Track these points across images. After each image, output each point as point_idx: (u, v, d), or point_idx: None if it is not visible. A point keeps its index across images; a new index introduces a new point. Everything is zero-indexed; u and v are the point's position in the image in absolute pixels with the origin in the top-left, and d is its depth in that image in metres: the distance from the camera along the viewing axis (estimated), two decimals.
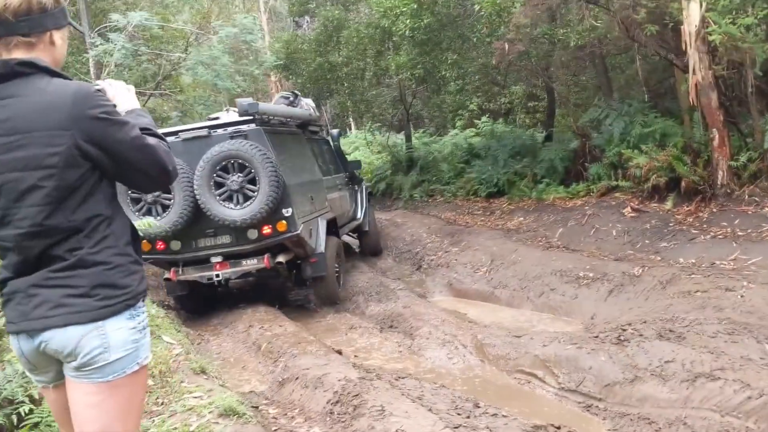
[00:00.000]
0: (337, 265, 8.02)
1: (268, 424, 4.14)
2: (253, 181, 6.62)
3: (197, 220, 6.79)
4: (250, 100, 7.05)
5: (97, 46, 9.22)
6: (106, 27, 9.58)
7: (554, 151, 10.95)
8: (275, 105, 8.21)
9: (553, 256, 7.91)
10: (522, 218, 10.23)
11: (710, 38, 7.33)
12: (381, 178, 16.45)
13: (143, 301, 2.17)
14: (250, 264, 7.11)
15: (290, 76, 15.57)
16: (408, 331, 6.68)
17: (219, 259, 7.03)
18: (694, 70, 7.67)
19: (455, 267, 8.93)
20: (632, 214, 8.36)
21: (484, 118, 16.82)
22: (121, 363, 2.05)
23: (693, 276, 6.15)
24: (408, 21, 9.89)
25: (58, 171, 1.94)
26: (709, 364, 4.26)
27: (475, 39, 10.05)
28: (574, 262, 7.51)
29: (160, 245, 6.91)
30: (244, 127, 6.82)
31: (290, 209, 6.82)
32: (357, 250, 11.18)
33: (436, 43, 10.78)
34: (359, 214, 10.19)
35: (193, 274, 7.13)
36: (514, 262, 8.16)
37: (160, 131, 2.32)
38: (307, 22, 19.54)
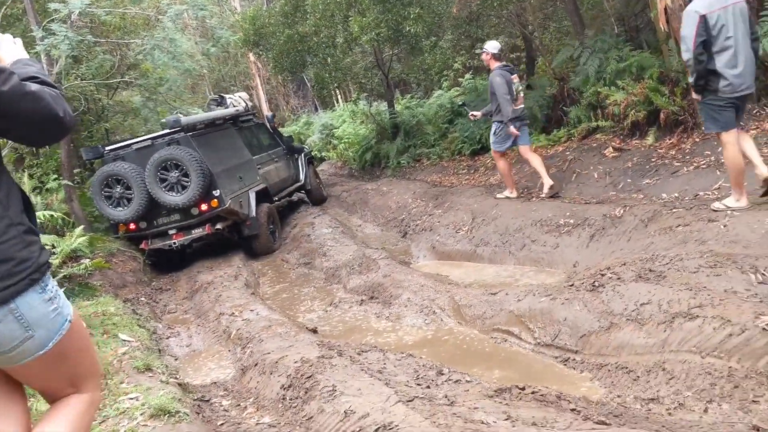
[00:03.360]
0: (272, 225, 10.15)
1: (216, 418, 3.86)
2: (186, 175, 8.69)
3: (154, 206, 8.99)
4: (176, 116, 9.18)
5: (43, 40, 8.82)
6: (53, 20, 9.16)
7: (532, 98, 10.49)
8: (195, 116, 10.16)
9: (533, 206, 7.54)
10: None
11: None
12: (367, 148, 15.99)
13: (48, 272, 2.02)
14: (197, 232, 9.25)
15: (261, 52, 15.09)
16: (387, 300, 6.43)
17: (174, 231, 9.20)
18: None
19: (438, 229, 8.60)
20: (614, 154, 7.97)
21: (467, 76, 16.35)
22: (50, 332, 1.97)
23: (675, 210, 5.78)
24: None
25: None
26: (686, 302, 3.92)
27: None
28: (554, 210, 7.14)
29: (132, 226, 9.22)
30: (176, 136, 8.96)
31: (218, 190, 8.94)
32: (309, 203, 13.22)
33: None
34: (301, 177, 12.66)
35: (158, 244, 9.37)
36: (494, 218, 7.81)
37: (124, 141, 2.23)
38: None
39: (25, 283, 1.90)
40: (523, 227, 7.21)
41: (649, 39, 9.73)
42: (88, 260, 7.84)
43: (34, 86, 1.90)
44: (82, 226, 8.22)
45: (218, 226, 9.26)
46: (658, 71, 7.93)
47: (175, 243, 9.25)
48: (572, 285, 4.91)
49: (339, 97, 25.97)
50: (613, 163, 7.87)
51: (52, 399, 2.12)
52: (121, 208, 8.94)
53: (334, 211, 12.26)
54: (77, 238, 7.18)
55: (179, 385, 4.48)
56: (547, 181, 7.79)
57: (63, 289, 6.15)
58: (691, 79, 5.40)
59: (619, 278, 4.66)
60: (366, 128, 17.47)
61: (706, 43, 5.14)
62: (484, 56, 8.20)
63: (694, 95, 5.57)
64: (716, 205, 5.48)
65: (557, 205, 7.30)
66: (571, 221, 6.73)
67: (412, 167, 13.57)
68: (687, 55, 5.28)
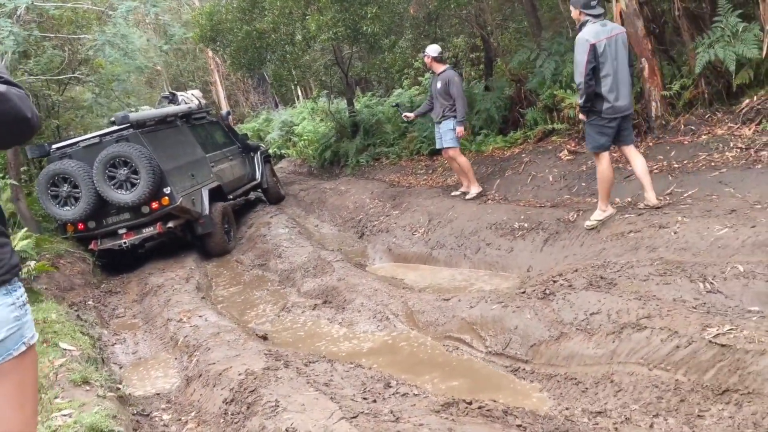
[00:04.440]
0: (227, 225, 10.01)
1: None
2: (135, 172, 8.49)
3: (103, 205, 8.76)
4: (124, 112, 9.08)
5: None
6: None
7: (490, 100, 10.48)
8: (144, 112, 10.01)
9: (488, 209, 7.51)
10: None
11: None
12: (326, 147, 15.85)
13: (18, 277, 1.90)
14: (148, 231, 9.03)
15: (218, 49, 14.82)
16: (341, 305, 6.33)
17: (124, 230, 8.98)
18: None
19: (394, 231, 8.51)
20: (569, 157, 7.98)
21: (427, 75, 16.29)
22: (5, 344, 1.83)
23: (627, 216, 5.80)
24: None
25: None
26: (635, 312, 3.90)
27: None
28: (509, 213, 7.12)
29: (81, 226, 9.02)
30: (125, 132, 8.76)
31: (169, 188, 8.73)
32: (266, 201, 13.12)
33: None
34: (257, 175, 12.46)
35: (108, 244, 9.14)
36: (450, 220, 7.76)
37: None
38: None
39: None
40: (478, 230, 7.17)
41: None
42: (33, 263, 7.55)
43: (1, 87, 1.80)
44: (26, 227, 7.92)
45: (170, 224, 9.07)
46: None
47: (125, 243, 9.03)
48: (524, 292, 4.87)
49: (299, 93, 25.72)
50: (568, 166, 7.89)
51: None
52: (68, 208, 8.72)
53: (292, 210, 12.12)
54: (22, 240, 6.91)
55: (119, 398, 4.31)
56: (476, 186, 8.43)
57: None
58: (579, 101, 5.78)
59: (570, 285, 4.63)
60: (326, 126, 17.32)
61: (594, 68, 5.57)
62: (426, 59, 8.65)
63: (581, 116, 6.01)
64: (588, 223, 5.99)
65: (512, 209, 7.29)
66: (526, 225, 6.71)
67: (371, 166, 13.48)
68: (579, 78, 5.64)
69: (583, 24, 5.72)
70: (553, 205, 7.10)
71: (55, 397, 3.83)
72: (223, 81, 27.28)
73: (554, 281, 4.90)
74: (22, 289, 1.93)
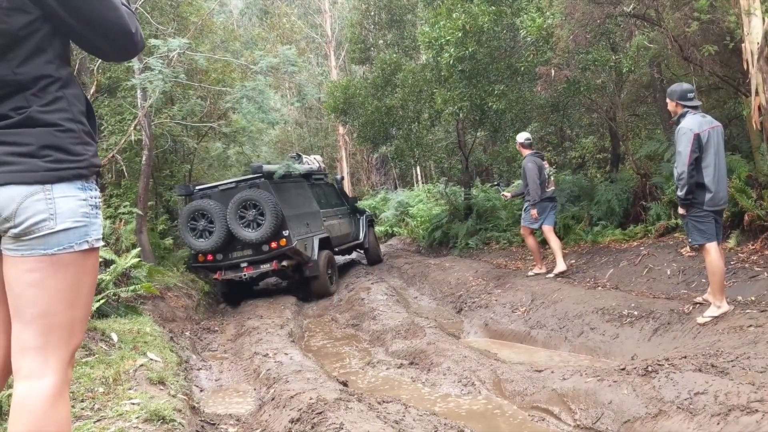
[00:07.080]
0: (330, 271, 11.29)
1: None
2: (262, 214, 9.90)
3: (231, 240, 10.19)
4: (259, 163, 10.69)
5: (141, 73, 9.24)
6: (153, 55, 9.60)
7: (612, 192, 10.16)
8: (274, 166, 11.14)
9: (597, 294, 7.13)
10: (573, 260, 9.44)
11: None
12: (437, 227, 15.88)
13: (96, 180, 1.97)
14: (265, 267, 10.35)
15: (347, 120, 15.42)
16: (427, 367, 6.09)
17: (246, 264, 10.29)
18: (756, 91, 6.90)
19: (494, 307, 8.23)
20: (690, 254, 7.50)
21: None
22: (67, 235, 1.85)
23: (748, 311, 5.30)
24: (453, 50, 9.51)
25: (0, 13, 1.72)
26: (746, 395, 3.48)
27: (522, 68, 9.54)
28: (619, 300, 6.71)
29: (210, 257, 10.39)
30: (257, 180, 10.29)
31: (287, 231, 10.11)
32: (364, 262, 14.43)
33: (483, 75, 10.33)
34: (361, 236, 13.86)
35: (230, 275, 10.42)
36: (555, 302, 7.41)
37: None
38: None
39: (71, 174, 1.85)
40: (583, 314, 6.78)
41: (741, 145, 9.34)
42: (139, 285, 7.87)
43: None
44: (138, 249, 8.34)
45: (284, 263, 10.35)
46: (747, 172, 7.52)
47: (245, 275, 10.34)
48: (623, 369, 4.49)
49: (419, 177, 26.15)
50: (689, 262, 7.40)
51: (13, 341, 1.87)
52: (203, 240, 10.14)
53: (393, 281, 12.05)
54: (132, 258, 7.25)
55: (191, 408, 4.28)
56: (560, 265, 8.62)
57: (108, 305, 6.12)
58: (681, 193, 5.64)
59: (673, 365, 4.23)
60: (439, 208, 17.41)
61: (697, 159, 5.50)
62: (517, 146, 9.42)
63: (680, 211, 5.87)
64: (701, 319, 5.56)
65: (623, 296, 6.89)
66: (635, 313, 6.28)
67: (480, 249, 13.30)
68: (682, 168, 5.54)
69: (682, 116, 5.67)
70: (668, 298, 6.63)
71: (129, 389, 3.85)
72: (349, 159, 28.25)
73: (659, 364, 4.50)
74: (98, 193, 1.97)
